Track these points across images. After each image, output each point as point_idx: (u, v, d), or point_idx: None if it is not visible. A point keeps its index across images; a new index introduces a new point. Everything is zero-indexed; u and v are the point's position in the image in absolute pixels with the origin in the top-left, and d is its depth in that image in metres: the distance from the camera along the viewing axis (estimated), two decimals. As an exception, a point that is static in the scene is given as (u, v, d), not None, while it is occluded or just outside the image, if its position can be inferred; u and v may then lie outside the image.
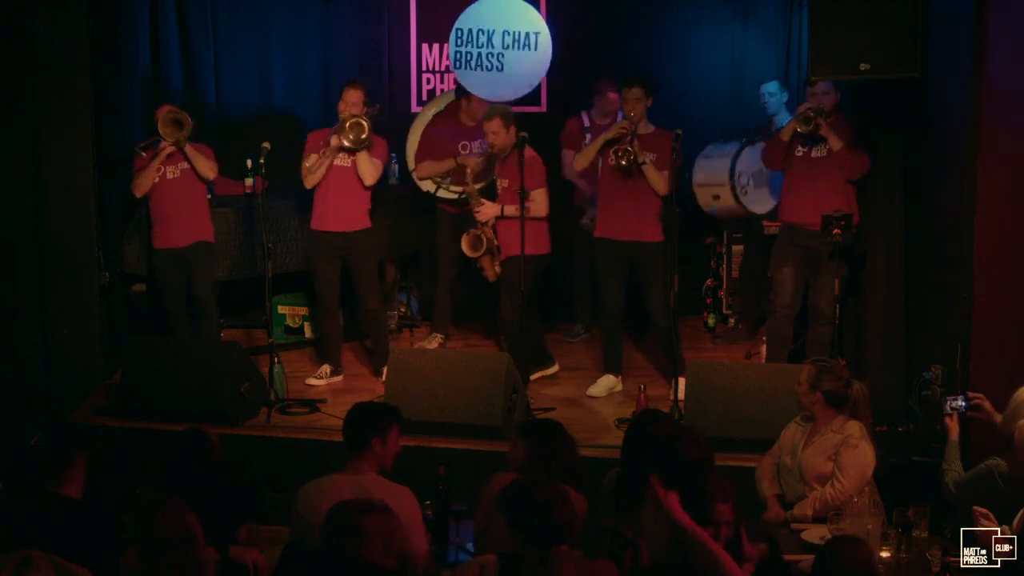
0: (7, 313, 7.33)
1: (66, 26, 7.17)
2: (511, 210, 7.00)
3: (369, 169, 7.26)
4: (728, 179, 7.89)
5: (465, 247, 7.31)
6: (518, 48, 7.58)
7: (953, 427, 5.16)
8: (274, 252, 7.45)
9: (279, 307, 8.28)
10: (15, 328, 7.34)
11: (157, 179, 7.26)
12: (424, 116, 8.37)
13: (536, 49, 7.57)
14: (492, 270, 7.30)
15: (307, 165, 7.28)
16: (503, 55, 7.59)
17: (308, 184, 7.32)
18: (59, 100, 7.24)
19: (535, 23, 7.59)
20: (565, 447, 4.69)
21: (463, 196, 7.64)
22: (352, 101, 7.20)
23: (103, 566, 4.26)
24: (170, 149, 7.21)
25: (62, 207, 7.31)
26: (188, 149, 7.22)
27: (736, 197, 7.92)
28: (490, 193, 7.43)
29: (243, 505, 4.92)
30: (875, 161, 6.84)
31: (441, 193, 7.87)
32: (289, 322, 8.39)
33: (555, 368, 7.61)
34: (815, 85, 6.87)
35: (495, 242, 7.25)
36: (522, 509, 3.88)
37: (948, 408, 5.20)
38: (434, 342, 8.04)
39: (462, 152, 7.82)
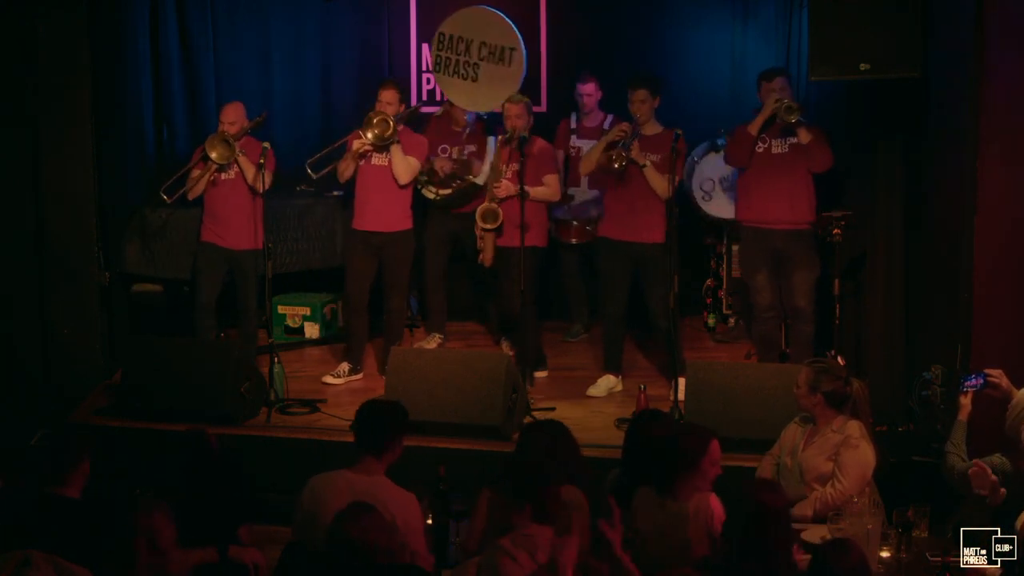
0: (7, 313, 7.33)
1: (66, 26, 7.17)
2: (528, 189, 7.03)
3: (401, 167, 7.29)
4: (688, 188, 7.97)
5: (482, 219, 7.29)
6: (493, 61, 7.63)
7: (965, 406, 5.11)
8: (274, 252, 7.45)
9: (279, 307, 8.28)
10: (15, 328, 7.34)
11: (212, 177, 7.31)
12: None
13: (510, 65, 7.61)
14: (491, 252, 7.30)
15: (342, 165, 7.34)
16: (478, 66, 7.65)
17: (341, 179, 7.42)
18: (59, 100, 7.24)
19: (512, 39, 7.62)
20: (561, 448, 4.72)
21: (438, 199, 7.78)
22: (387, 100, 7.26)
23: (103, 566, 4.26)
24: (215, 166, 7.25)
25: (62, 207, 7.31)
26: (241, 159, 7.25)
27: (696, 202, 7.99)
28: (464, 196, 7.71)
29: (244, 506, 4.93)
30: (875, 161, 6.84)
31: (425, 193, 7.89)
32: (289, 322, 8.39)
33: (544, 373, 7.65)
34: (772, 80, 6.86)
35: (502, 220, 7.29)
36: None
37: (964, 387, 5.14)
38: (433, 342, 8.04)
39: (441, 155, 7.84)
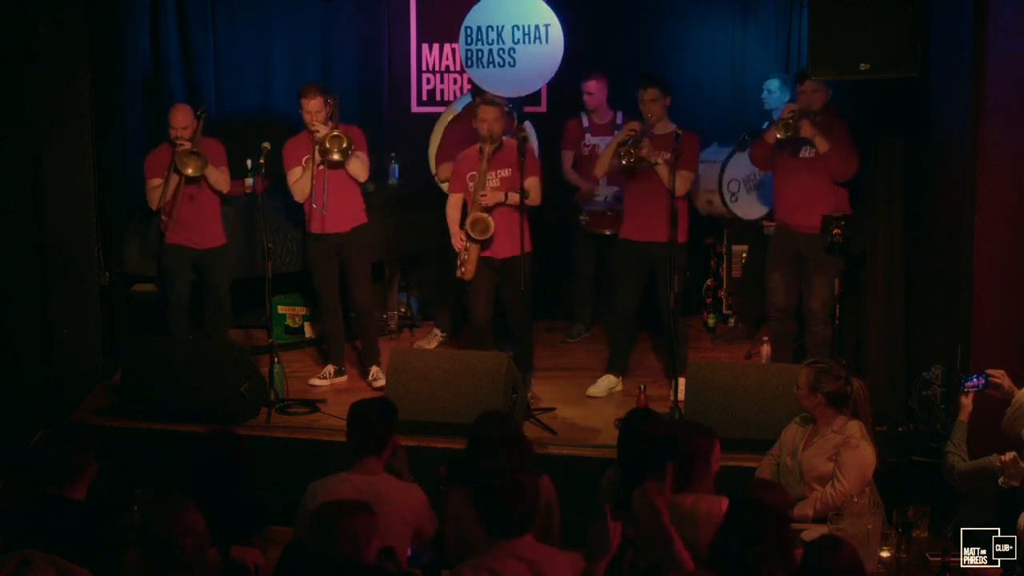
0: (7, 313, 7.33)
1: (66, 26, 7.17)
2: (514, 197, 6.90)
3: (359, 167, 7.26)
4: (717, 186, 7.92)
5: (472, 229, 6.99)
6: (528, 41, 7.57)
7: (966, 406, 5.10)
8: (274, 252, 7.45)
9: (279, 307, 8.29)
10: (15, 328, 7.34)
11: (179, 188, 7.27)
12: (444, 118, 8.33)
13: (547, 41, 7.55)
14: (473, 265, 7.14)
15: (292, 181, 7.27)
16: (514, 50, 7.58)
17: (299, 197, 7.30)
18: (59, 100, 7.24)
19: (545, 15, 7.58)
20: (504, 442, 4.73)
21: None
22: (314, 110, 7.10)
23: (103, 566, 4.26)
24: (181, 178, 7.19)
25: (62, 207, 7.31)
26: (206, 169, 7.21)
27: (725, 204, 7.95)
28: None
29: (260, 512, 4.89)
30: (875, 161, 6.84)
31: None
32: (289, 322, 8.39)
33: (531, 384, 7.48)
34: (804, 83, 6.88)
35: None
36: (480, 496, 3.98)
37: (966, 387, 5.13)
38: (433, 341, 8.05)
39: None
